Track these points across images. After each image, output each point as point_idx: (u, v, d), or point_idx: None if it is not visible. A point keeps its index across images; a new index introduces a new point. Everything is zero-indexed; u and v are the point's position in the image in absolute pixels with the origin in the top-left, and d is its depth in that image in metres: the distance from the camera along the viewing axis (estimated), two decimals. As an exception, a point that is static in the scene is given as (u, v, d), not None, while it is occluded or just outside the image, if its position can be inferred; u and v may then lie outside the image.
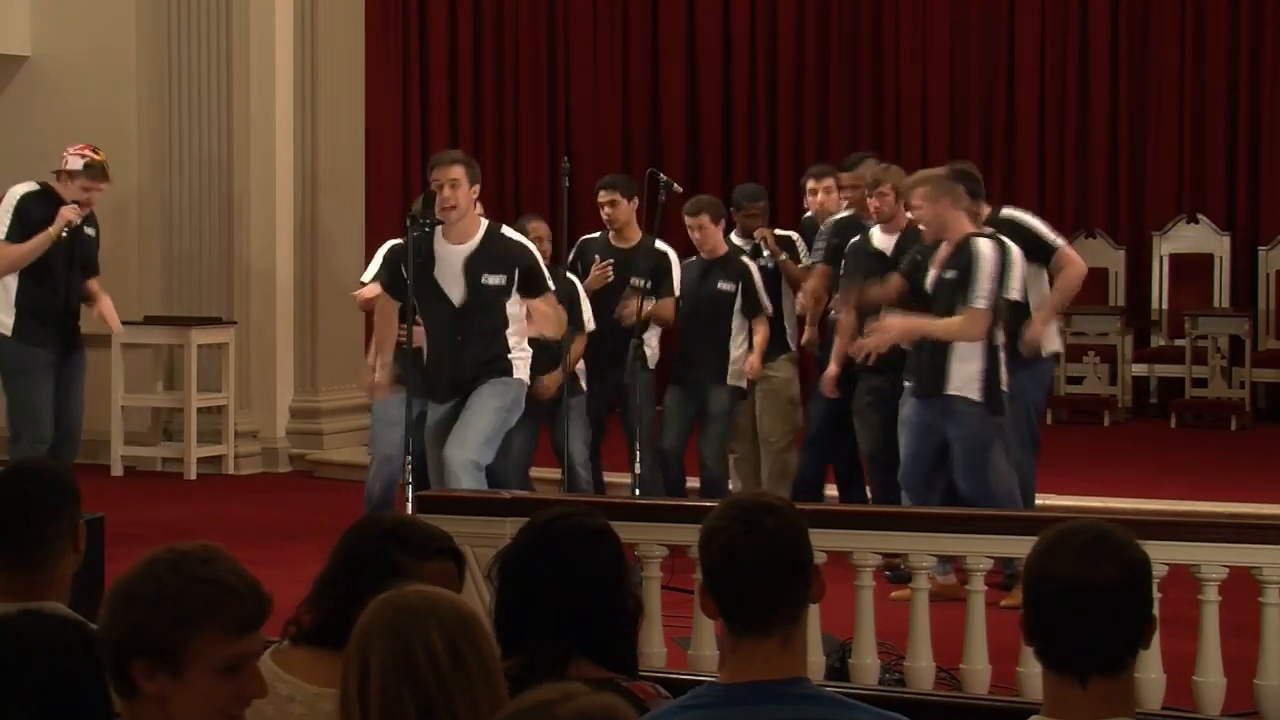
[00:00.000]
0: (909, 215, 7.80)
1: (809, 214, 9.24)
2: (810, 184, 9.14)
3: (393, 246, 8.37)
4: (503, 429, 7.24)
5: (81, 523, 3.63)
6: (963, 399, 7.23)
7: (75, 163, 8.18)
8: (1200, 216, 13.40)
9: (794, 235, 9.16)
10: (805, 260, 8.93)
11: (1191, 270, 13.34)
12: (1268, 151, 13.36)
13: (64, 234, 8.06)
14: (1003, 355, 7.33)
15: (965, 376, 7.24)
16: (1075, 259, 7.94)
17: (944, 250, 7.36)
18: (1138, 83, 13.67)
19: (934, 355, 7.28)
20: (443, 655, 2.53)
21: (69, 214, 8.08)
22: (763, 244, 8.92)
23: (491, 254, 7.15)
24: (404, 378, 7.89)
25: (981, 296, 7.16)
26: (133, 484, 10.60)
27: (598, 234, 8.94)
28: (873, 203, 8.15)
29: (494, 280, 7.12)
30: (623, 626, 3.31)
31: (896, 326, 7.40)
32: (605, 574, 3.30)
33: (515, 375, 7.23)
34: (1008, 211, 8.04)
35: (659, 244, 8.63)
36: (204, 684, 2.56)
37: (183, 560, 2.59)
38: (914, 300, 7.52)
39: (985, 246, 7.26)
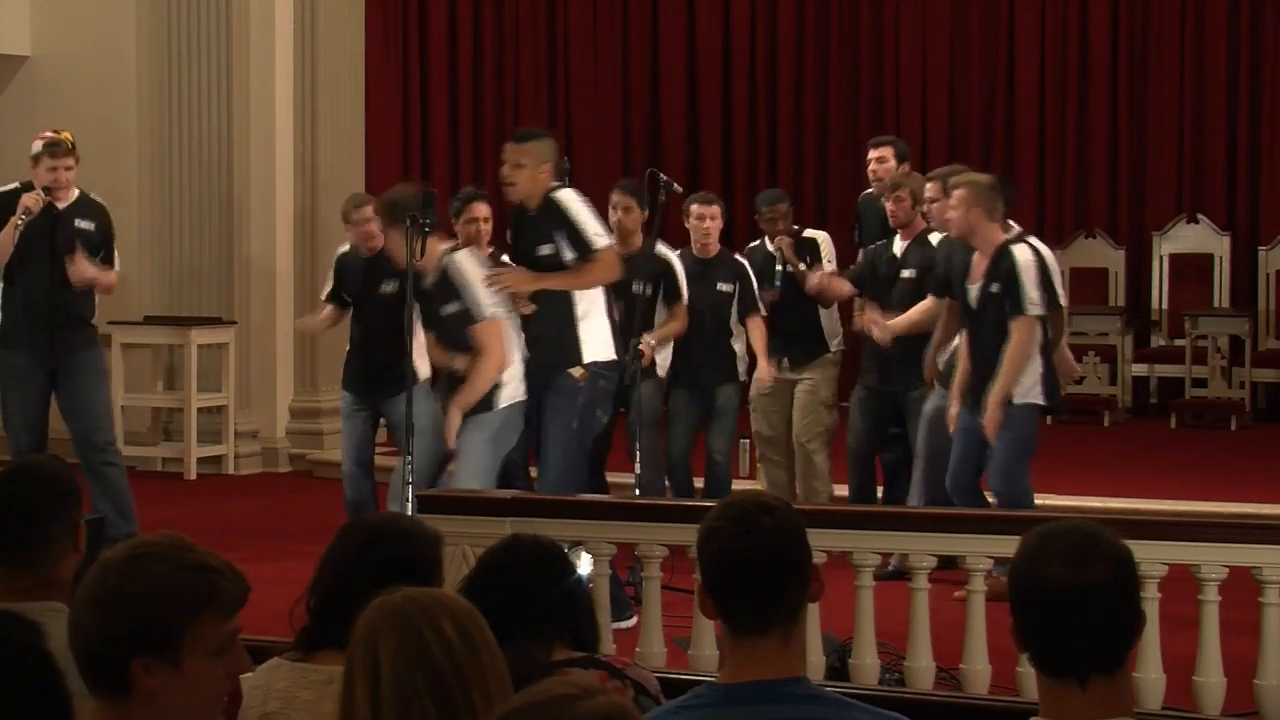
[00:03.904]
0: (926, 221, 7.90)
1: (869, 190, 9.02)
2: (870, 152, 8.93)
3: (341, 255, 8.35)
4: (495, 455, 7.06)
5: (82, 522, 3.63)
6: (1027, 405, 7.27)
7: (36, 145, 7.93)
8: (1200, 216, 13.40)
9: (819, 236, 8.96)
10: (828, 264, 8.84)
11: (1191, 270, 13.35)
12: (1268, 151, 13.36)
13: (20, 223, 7.77)
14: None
15: (1030, 382, 7.27)
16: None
17: (979, 263, 7.36)
18: (1138, 83, 13.67)
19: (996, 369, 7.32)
20: (456, 643, 2.55)
21: (28, 200, 7.81)
22: (778, 253, 8.78)
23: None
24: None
25: (1032, 303, 7.18)
26: (133, 484, 10.57)
27: None
28: (889, 206, 8.27)
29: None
30: (587, 616, 3.66)
31: (994, 410, 7.20)
32: (567, 591, 3.63)
33: (498, 408, 7.01)
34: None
35: (662, 248, 8.53)
36: (199, 669, 2.57)
37: (167, 552, 2.60)
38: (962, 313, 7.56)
39: (1022, 253, 7.27)
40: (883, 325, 8.11)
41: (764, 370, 8.66)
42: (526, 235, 7.27)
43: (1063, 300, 7.56)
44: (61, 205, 7.98)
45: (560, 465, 7.08)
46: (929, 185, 8.02)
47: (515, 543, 3.72)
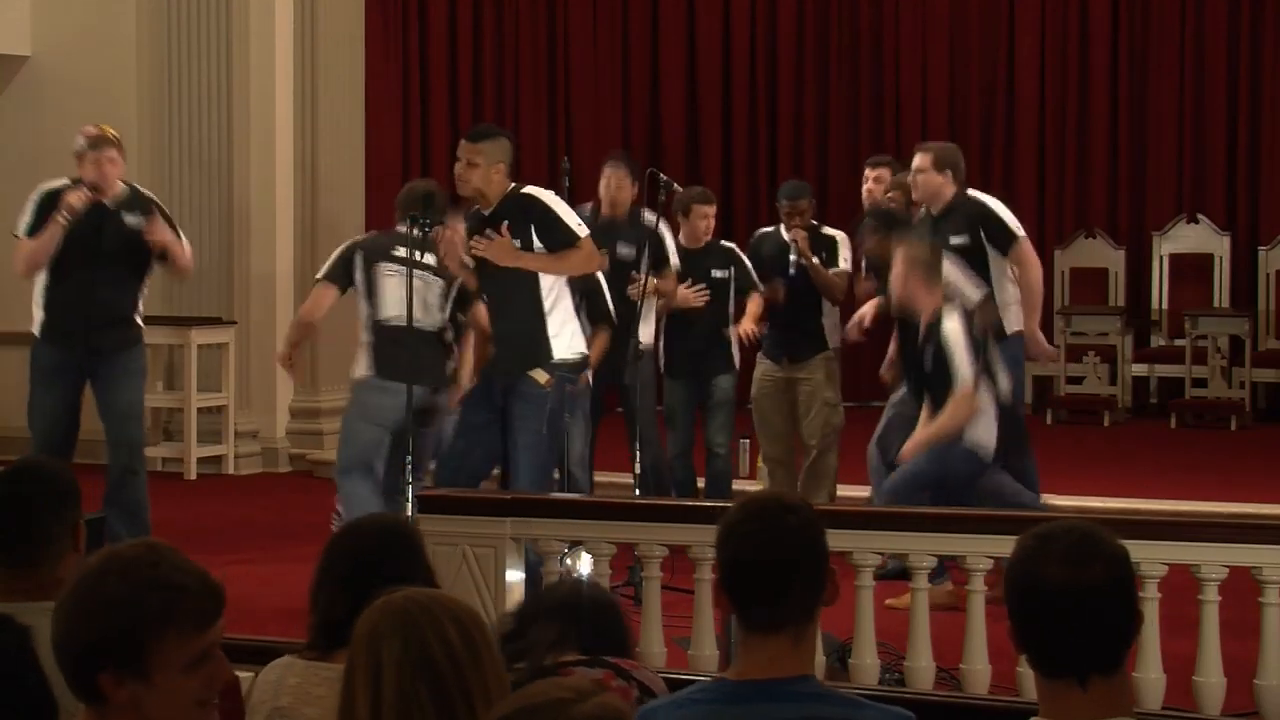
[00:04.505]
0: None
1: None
2: (866, 171, 8.89)
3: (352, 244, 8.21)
4: (355, 425, 7.62)
5: (82, 522, 3.63)
6: (972, 449, 7.21)
7: (79, 142, 7.76)
8: (1200, 216, 13.40)
9: (839, 236, 8.86)
10: (844, 264, 8.79)
11: (1191, 270, 13.34)
12: (1268, 151, 13.36)
13: (65, 219, 7.59)
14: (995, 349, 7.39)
15: (983, 429, 7.22)
16: (1033, 256, 7.92)
17: (923, 327, 7.36)
18: (1138, 83, 13.67)
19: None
20: (458, 646, 2.55)
21: (71, 198, 7.62)
22: (793, 245, 8.74)
23: None
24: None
25: (963, 375, 7.15)
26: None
27: (588, 205, 8.73)
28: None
29: None
30: (616, 635, 3.56)
31: (914, 452, 7.30)
32: (613, 645, 3.53)
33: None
34: (974, 193, 8.01)
35: (649, 216, 8.43)
36: (173, 683, 2.56)
37: (131, 567, 2.58)
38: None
39: (949, 324, 7.21)
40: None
41: (746, 326, 8.61)
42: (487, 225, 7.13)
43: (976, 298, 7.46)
44: (109, 201, 7.78)
45: (533, 471, 7.05)
46: (917, 156, 7.97)
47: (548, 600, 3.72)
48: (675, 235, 8.85)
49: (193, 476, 11.10)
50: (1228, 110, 13.44)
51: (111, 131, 7.86)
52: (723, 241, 9.01)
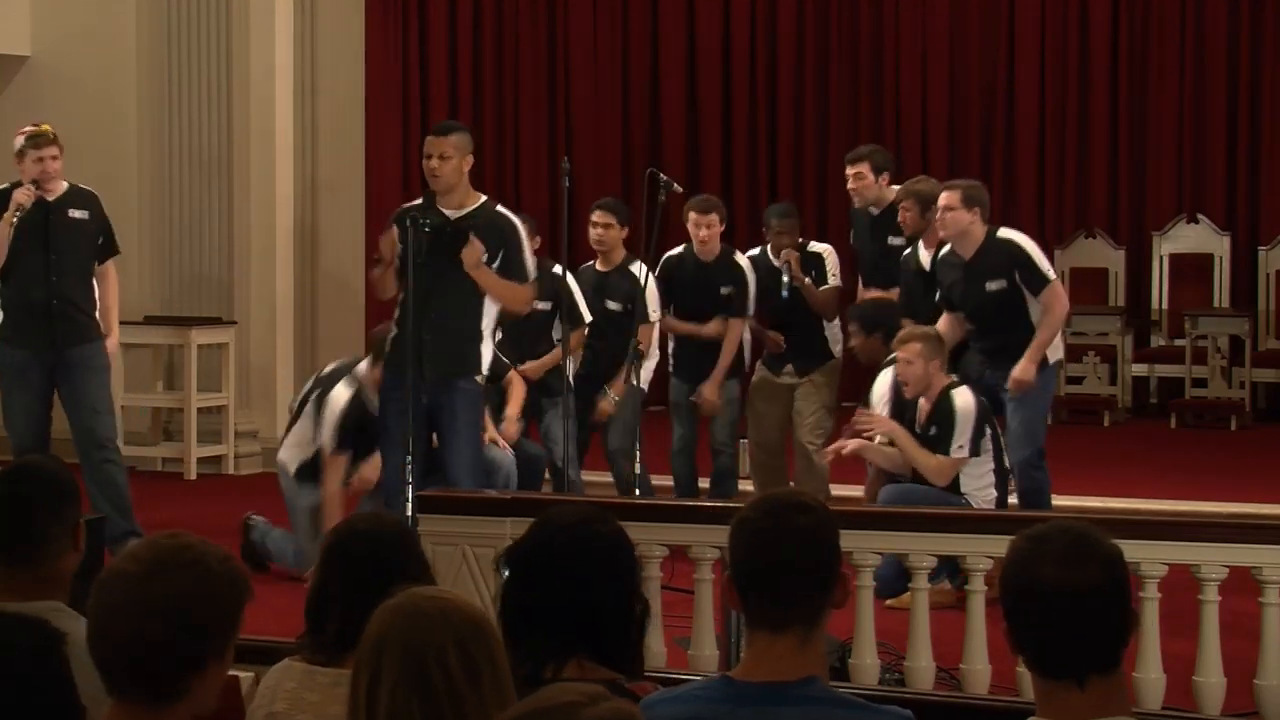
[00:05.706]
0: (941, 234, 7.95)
1: (856, 204, 9.11)
2: (847, 169, 8.95)
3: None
4: None
5: (82, 522, 3.64)
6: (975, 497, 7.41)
7: (18, 141, 7.94)
8: (1200, 216, 13.39)
9: (824, 250, 8.90)
10: (833, 278, 8.81)
11: (1191, 270, 13.34)
12: (1268, 151, 13.35)
13: (15, 220, 7.75)
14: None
15: (981, 486, 7.43)
16: (1062, 298, 7.98)
17: (924, 407, 7.51)
18: (1138, 83, 13.66)
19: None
20: (456, 669, 2.54)
21: (19, 196, 7.80)
22: (785, 268, 8.77)
23: None
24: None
25: (957, 447, 7.34)
26: (133, 484, 10.58)
27: (590, 264, 8.93)
28: (901, 216, 8.36)
29: None
30: (630, 632, 3.23)
31: (886, 426, 7.58)
32: (620, 582, 3.23)
33: None
34: (1005, 233, 7.98)
35: (635, 269, 8.56)
36: (221, 670, 2.63)
37: (207, 552, 2.64)
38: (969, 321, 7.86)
39: (961, 399, 7.40)
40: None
41: (711, 391, 8.72)
42: (456, 237, 7.05)
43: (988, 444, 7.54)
44: (52, 198, 7.96)
45: (476, 462, 7.15)
46: (944, 194, 7.90)
47: (555, 524, 3.32)
48: (687, 243, 8.92)
49: (193, 476, 11.10)
50: (1228, 110, 13.42)
51: (49, 128, 8.00)
52: (736, 256, 8.97)
